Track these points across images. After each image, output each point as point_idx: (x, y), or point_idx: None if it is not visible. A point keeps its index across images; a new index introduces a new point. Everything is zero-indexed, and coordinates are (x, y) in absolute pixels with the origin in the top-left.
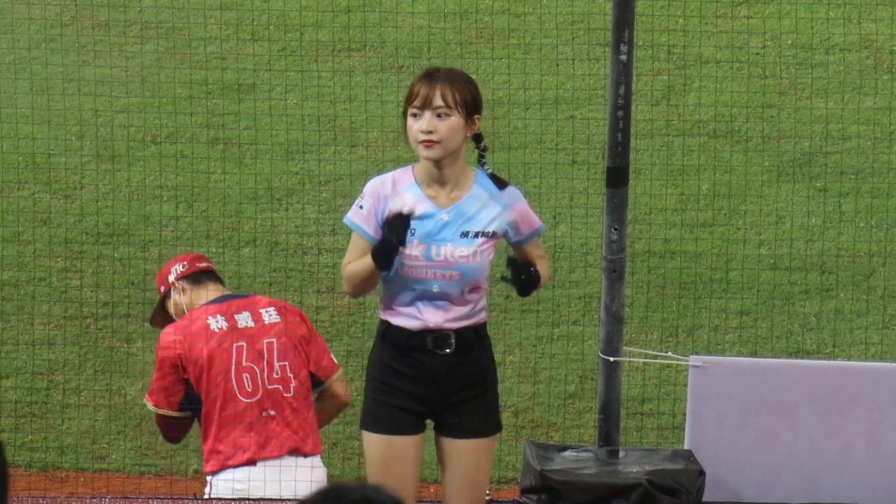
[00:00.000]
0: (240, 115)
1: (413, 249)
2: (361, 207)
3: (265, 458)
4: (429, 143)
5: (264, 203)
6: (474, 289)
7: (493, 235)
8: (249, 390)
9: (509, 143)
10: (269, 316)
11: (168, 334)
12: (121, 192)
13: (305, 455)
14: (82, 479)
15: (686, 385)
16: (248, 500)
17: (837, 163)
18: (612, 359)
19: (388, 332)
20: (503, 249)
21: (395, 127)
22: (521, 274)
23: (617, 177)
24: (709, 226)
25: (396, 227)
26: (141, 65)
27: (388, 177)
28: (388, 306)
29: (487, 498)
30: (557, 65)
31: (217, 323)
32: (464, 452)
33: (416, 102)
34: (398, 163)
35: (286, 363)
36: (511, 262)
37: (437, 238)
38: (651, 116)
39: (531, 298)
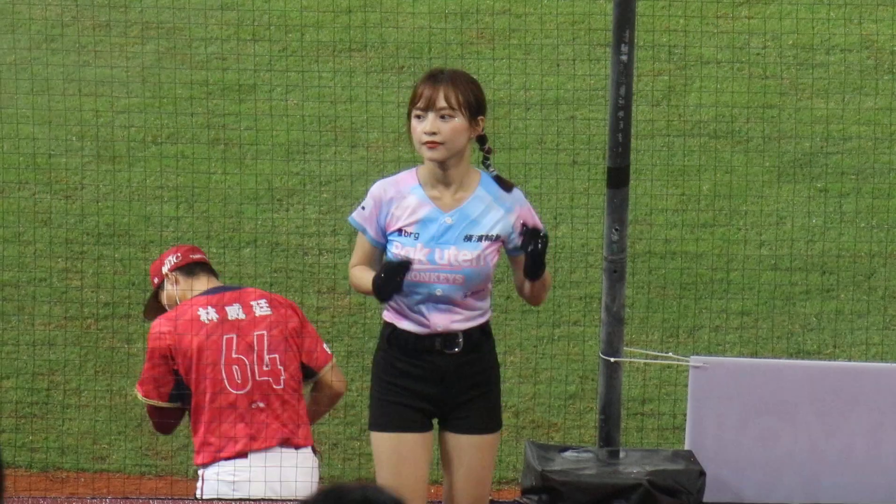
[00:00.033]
0: (240, 115)
1: (417, 253)
2: (364, 209)
3: (256, 450)
4: (432, 145)
5: (265, 203)
6: (478, 291)
7: (497, 239)
8: (239, 382)
9: (510, 144)
10: (260, 308)
11: (158, 325)
12: (121, 192)
13: (297, 447)
14: (83, 479)
15: (687, 385)
16: (249, 500)
17: (838, 163)
18: (612, 359)
19: (395, 336)
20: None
21: (395, 127)
22: (535, 242)
23: (618, 177)
24: (709, 226)
25: (395, 275)
26: (142, 65)
27: (390, 181)
28: (392, 309)
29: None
30: (558, 65)
31: (208, 314)
32: (471, 449)
33: (420, 104)
34: (399, 163)
35: (276, 355)
36: (525, 232)
37: (440, 241)
38: (652, 117)
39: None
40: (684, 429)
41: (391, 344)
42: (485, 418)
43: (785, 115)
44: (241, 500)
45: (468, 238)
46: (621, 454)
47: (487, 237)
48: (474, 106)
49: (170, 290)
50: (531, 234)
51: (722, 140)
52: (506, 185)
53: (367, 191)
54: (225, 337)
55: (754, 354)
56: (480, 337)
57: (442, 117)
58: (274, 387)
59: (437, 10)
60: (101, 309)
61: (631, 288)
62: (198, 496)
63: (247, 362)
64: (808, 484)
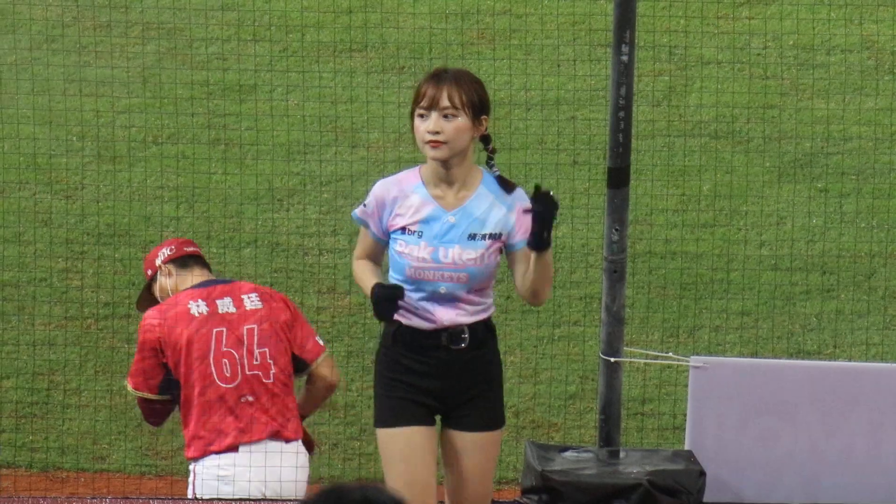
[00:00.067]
0: (241, 115)
1: (420, 252)
2: (366, 206)
3: (247, 443)
4: (435, 144)
5: (265, 204)
6: (481, 288)
7: (499, 237)
8: (228, 376)
9: (510, 144)
10: (251, 302)
11: (149, 317)
12: (122, 192)
13: (287, 440)
14: (83, 479)
15: (687, 386)
16: (249, 499)
17: (838, 163)
18: (612, 359)
19: (400, 333)
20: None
21: (396, 128)
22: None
23: (618, 177)
24: (710, 226)
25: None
26: (142, 65)
27: (393, 180)
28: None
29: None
30: (559, 65)
31: (198, 308)
32: (473, 446)
33: (423, 103)
34: (399, 163)
35: (266, 349)
36: (535, 194)
37: (444, 240)
38: (652, 117)
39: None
40: (684, 429)
41: (396, 341)
42: (488, 416)
43: (785, 115)
44: (241, 499)
45: (472, 237)
46: (621, 454)
47: (491, 235)
48: (478, 105)
49: (163, 283)
50: (542, 197)
51: (722, 140)
52: (508, 187)
53: (367, 191)
54: (215, 330)
55: (754, 354)
56: (485, 333)
57: (445, 117)
58: (263, 381)
59: (437, 11)
60: (101, 309)
61: (631, 288)
62: (189, 492)
63: (236, 356)
64: (809, 484)
